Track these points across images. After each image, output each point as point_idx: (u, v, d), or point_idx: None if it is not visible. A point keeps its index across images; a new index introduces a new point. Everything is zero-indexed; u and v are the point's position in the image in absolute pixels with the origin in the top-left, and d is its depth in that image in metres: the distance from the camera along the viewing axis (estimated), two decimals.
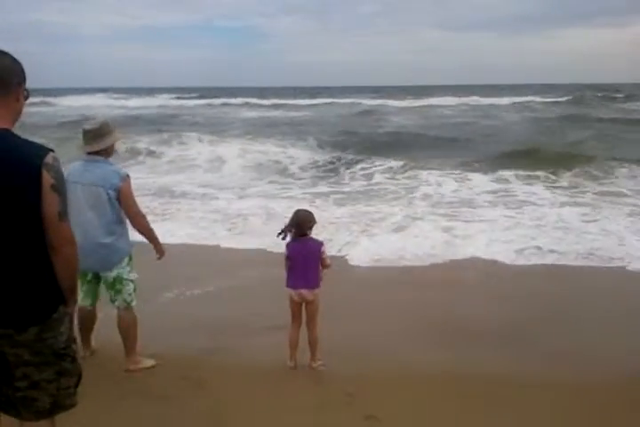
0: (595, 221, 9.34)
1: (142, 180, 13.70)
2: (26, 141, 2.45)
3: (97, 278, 4.51)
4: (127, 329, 4.54)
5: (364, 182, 14.07)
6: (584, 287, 6.74)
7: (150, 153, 17.92)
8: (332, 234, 8.17)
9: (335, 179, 14.72)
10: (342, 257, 7.42)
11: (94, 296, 4.62)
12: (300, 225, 4.51)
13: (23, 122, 2.59)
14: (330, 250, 4.72)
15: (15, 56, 2.50)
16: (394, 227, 9.00)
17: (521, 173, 14.11)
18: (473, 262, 7.50)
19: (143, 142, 18.78)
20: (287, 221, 4.59)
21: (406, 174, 14.42)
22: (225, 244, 8.40)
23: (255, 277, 6.91)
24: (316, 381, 4.50)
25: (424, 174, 14.14)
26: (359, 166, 15.71)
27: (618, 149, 16.94)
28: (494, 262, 7.47)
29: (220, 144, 18.49)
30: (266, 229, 8.61)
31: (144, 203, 9.92)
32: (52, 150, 2.46)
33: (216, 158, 16.97)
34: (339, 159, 16.66)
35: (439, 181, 13.41)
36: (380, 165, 15.54)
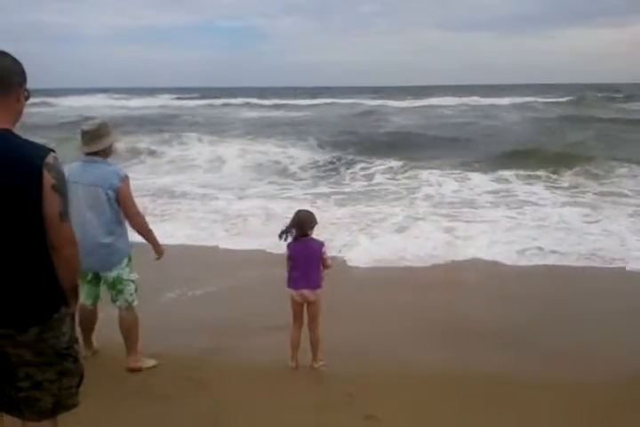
0: (596, 221, 9.34)
1: (143, 180, 13.71)
2: (27, 142, 2.45)
3: (97, 278, 4.52)
4: (129, 329, 4.56)
5: (365, 183, 14.07)
6: (584, 288, 6.75)
7: (151, 153, 17.94)
8: (332, 234, 8.17)
9: (336, 179, 14.72)
10: (343, 258, 7.43)
11: (95, 296, 4.63)
12: (302, 225, 4.52)
13: (23, 122, 2.60)
14: (331, 250, 4.73)
15: (16, 56, 2.51)
16: (395, 227, 9.00)
17: (521, 173, 14.14)
18: (474, 263, 7.50)
19: (144, 142, 18.81)
20: (288, 221, 4.60)
21: (407, 175, 14.43)
22: (225, 244, 8.41)
23: (255, 277, 6.91)
24: (316, 381, 4.51)
25: (425, 174, 14.15)
26: (360, 167, 15.72)
27: (619, 149, 16.94)
28: (495, 263, 7.47)
29: (221, 144, 18.50)
30: (265, 229, 8.61)
31: (144, 203, 9.99)
32: (52, 151, 2.46)
33: (216, 159, 16.98)
34: (339, 159, 16.67)
35: (440, 182, 13.42)
36: (380, 166, 15.55)
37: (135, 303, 4.57)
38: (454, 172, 14.46)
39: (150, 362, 4.62)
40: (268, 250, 7.70)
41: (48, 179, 2.39)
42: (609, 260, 7.49)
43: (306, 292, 4.52)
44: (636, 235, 8.48)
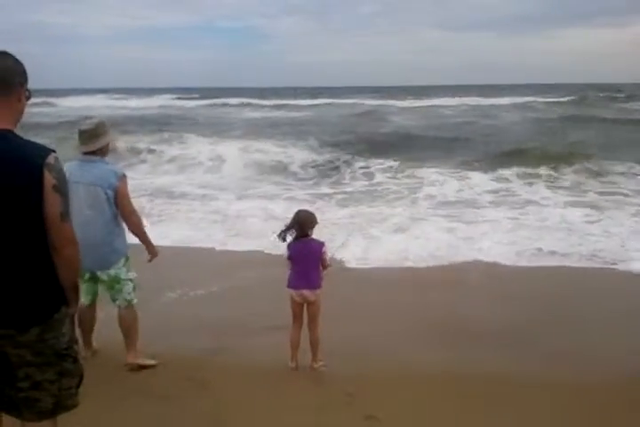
0: (597, 222, 9.34)
1: (142, 180, 13.73)
2: (28, 142, 2.46)
3: (95, 277, 4.53)
4: (128, 327, 4.60)
5: (366, 183, 14.07)
6: (584, 288, 6.74)
7: (150, 153, 17.88)
8: (333, 235, 8.16)
9: (336, 179, 14.72)
10: (343, 258, 7.43)
11: (93, 295, 4.65)
12: (302, 225, 4.52)
13: (24, 122, 2.60)
14: (331, 251, 4.72)
15: (16, 57, 2.51)
16: (396, 228, 9.00)
17: (522, 173, 14.14)
18: (474, 264, 7.50)
19: (144, 142, 18.78)
20: (288, 221, 4.60)
21: (408, 175, 14.41)
22: (224, 245, 8.41)
23: (255, 277, 6.92)
24: (316, 381, 4.51)
25: (425, 174, 14.14)
26: (360, 166, 15.71)
27: (620, 149, 16.91)
28: (496, 264, 7.47)
29: (221, 144, 18.45)
30: (265, 230, 8.62)
31: (143, 203, 10.01)
32: (53, 151, 2.47)
33: (216, 159, 16.95)
34: (340, 160, 16.64)
35: (441, 182, 13.42)
36: (380, 165, 15.54)
37: (134, 302, 4.59)
38: (455, 172, 14.45)
39: (149, 361, 4.64)
40: (267, 250, 7.71)
41: (49, 179, 2.40)
42: (610, 260, 7.48)
43: (306, 292, 4.52)
44: (637, 235, 8.48)
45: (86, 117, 4.80)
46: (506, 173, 14.11)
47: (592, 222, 9.28)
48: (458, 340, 5.22)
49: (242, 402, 4.13)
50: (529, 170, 14.34)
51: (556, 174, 14.09)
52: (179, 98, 62.52)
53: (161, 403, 4.08)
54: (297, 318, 4.64)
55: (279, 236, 4.55)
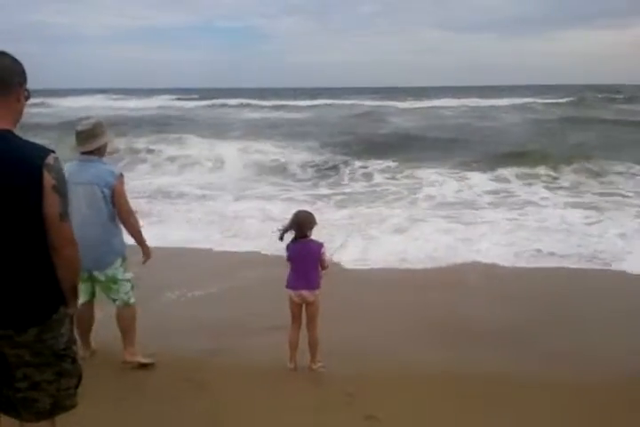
0: (597, 223, 9.32)
1: (140, 180, 13.73)
2: (27, 142, 2.46)
3: (93, 277, 4.54)
4: (126, 325, 4.64)
5: (365, 184, 14.07)
6: (584, 289, 6.74)
7: (150, 154, 17.87)
8: (332, 236, 8.16)
9: (335, 180, 14.71)
10: (342, 259, 7.42)
11: (91, 294, 4.66)
12: (301, 226, 4.52)
13: (22, 123, 2.60)
14: (330, 252, 4.72)
15: (15, 57, 2.51)
16: (395, 229, 8.99)
17: (521, 174, 14.15)
18: (474, 265, 7.49)
19: (143, 143, 18.76)
20: (286, 222, 4.60)
21: (407, 176, 14.42)
22: (222, 246, 8.39)
23: (254, 278, 6.92)
24: (315, 381, 4.51)
25: (425, 175, 14.15)
26: (360, 167, 15.69)
27: (620, 150, 16.91)
28: (496, 265, 7.46)
29: (220, 145, 18.44)
30: (263, 231, 8.62)
31: (141, 204, 10.00)
32: (52, 151, 2.47)
33: (215, 159, 16.95)
34: (339, 160, 16.64)
35: (440, 182, 13.42)
36: (380, 166, 15.54)
37: (132, 301, 4.62)
38: (455, 173, 14.45)
39: (146, 359, 4.66)
40: (265, 251, 7.72)
41: (48, 179, 2.40)
42: (609, 262, 7.48)
43: (305, 292, 4.52)
44: (637, 236, 8.48)
45: (83, 118, 4.81)
46: (505, 174, 14.12)
47: (591, 224, 9.27)
48: (457, 340, 5.22)
49: (241, 403, 4.13)
50: (528, 171, 14.35)
51: (555, 175, 14.11)
52: (178, 98, 62.38)
53: (160, 403, 4.08)
54: (296, 318, 4.64)
55: (279, 236, 4.55)
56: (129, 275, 4.60)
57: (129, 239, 4.64)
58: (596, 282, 6.96)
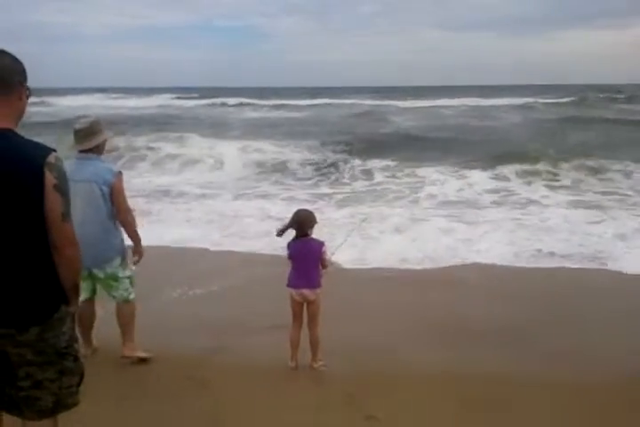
0: (598, 222, 9.35)
1: (140, 179, 13.75)
2: (29, 141, 2.45)
3: (93, 275, 4.56)
4: (126, 321, 4.68)
5: (366, 183, 14.09)
6: (584, 289, 6.74)
7: (149, 153, 17.85)
8: (332, 235, 8.15)
9: (336, 179, 14.72)
10: (342, 258, 7.41)
11: (92, 291, 4.67)
12: (301, 225, 4.52)
13: (22, 121, 2.59)
14: (331, 251, 4.72)
15: (15, 56, 2.50)
16: (396, 228, 8.99)
17: (522, 174, 14.17)
18: (474, 265, 7.49)
19: (142, 142, 18.76)
20: (287, 220, 4.59)
21: (408, 175, 14.43)
22: (221, 245, 8.39)
23: (255, 277, 6.92)
24: (316, 381, 4.51)
25: (425, 175, 14.16)
26: (360, 167, 15.71)
27: (621, 149, 16.89)
28: (496, 264, 7.47)
29: (220, 144, 18.46)
30: (263, 230, 8.63)
31: (139, 204, 10.00)
32: (54, 150, 2.46)
33: (215, 158, 16.96)
34: (339, 160, 16.65)
35: (441, 182, 13.45)
36: (381, 166, 15.54)
37: (132, 297, 4.65)
38: (455, 172, 14.46)
39: (145, 354, 4.69)
40: (266, 250, 7.72)
41: (50, 179, 2.39)
42: (610, 261, 7.48)
43: (306, 291, 4.52)
44: (638, 236, 8.48)
45: (81, 116, 4.82)
46: (505, 172, 14.17)
47: (592, 223, 9.29)
48: (457, 340, 5.22)
49: (241, 401, 4.13)
50: (529, 170, 14.38)
51: (555, 174, 14.13)
52: (178, 97, 62.31)
53: (161, 402, 4.08)
54: (297, 317, 4.64)
55: (278, 233, 4.55)
56: (129, 272, 4.63)
57: (128, 239, 4.64)
58: (595, 282, 6.96)
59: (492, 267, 7.41)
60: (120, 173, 4.50)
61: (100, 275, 4.52)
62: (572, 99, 46.45)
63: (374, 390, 4.28)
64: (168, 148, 18.31)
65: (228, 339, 5.20)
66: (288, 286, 4.57)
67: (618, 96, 51.15)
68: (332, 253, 4.72)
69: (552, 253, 7.78)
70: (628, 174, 14.04)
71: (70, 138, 4.57)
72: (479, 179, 13.69)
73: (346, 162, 16.29)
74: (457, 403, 4.13)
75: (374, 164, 15.75)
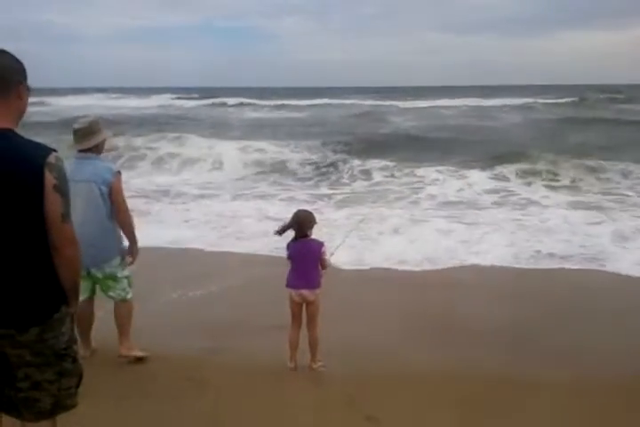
0: (597, 223, 9.33)
1: (139, 179, 13.73)
2: (29, 141, 2.45)
3: (91, 274, 4.56)
4: (123, 320, 4.70)
5: (365, 183, 14.09)
6: (584, 290, 6.74)
7: (149, 153, 17.83)
8: (332, 236, 8.15)
9: (335, 179, 14.71)
10: (341, 259, 7.40)
11: (91, 291, 4.67)
12: (301, 225, 4.51)
13: (21, 121, 2.59)
14: (330, 251, 4.72)
15: (15, 55, 2.50)
16: (395, 229, 8.97)
17: (523, 174, 14.21)
18: (474, 266, 7.48)
19: (142, 142, 18.73)
20: (287, 221, 4.59)
21: (408, 176, 14.43)
22: (219, 246, 8.38)
23: (254, 277, 6.91)
24: (316, 381, 4.51)
25: (425, 175, 14.17)
26: (360, 167, 15.68)
27: (621, 150, 16.91)
28: (495, 266, 7.46)
29: (219, 144, 18.44)
30: (262, 230, 8.64)
31: (139, 203, 10.01)
32: (54, 150, 2.46)
33: (215, 159, 16.93)
34: (339, 160, 16.63)
35: (441, 183, 13.45)
36: (381, 166, 15.53)
37: (129, 297, 4.67)
38: (455, 173, 14.46)
39: (141, 353, 4.71)
40: (263, 251, 7.72)
41: (50, 179, 2.39)
42: (609, 263, 7.47)
43: (305, 292, 4.51)
44: (637, 237, 8.47)
45: (80, 116, 4.84)
46: (506, 174, 14.16)
47: (591, 224, 9.28)
48: (457, 340, 5.22)
49: (241, 402, 4.13)
50: (529, 171, 14.38)
51: (556, 175, 14.13)
52: (178, 98, 62.25)
53: (160, 402, 4.08)
54: (296, 317, 4.63)
55: (279, 233, 4.55)
56: (127, 272, 4.64)
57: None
58: (595, 283, 6.96)
59: (492, 268, 7.40)
60: (119, 172, 4.52)
61: (99, 275, 4.53)
62: (572, 99, 46.44)
63: (374, 391, 4.28)
64: (167, 148, 18.29)
65: (228, 339, 5.20)
66: (287, 286, 4.57)
67: (618, 96, 51.12)
68: (332, 254, 4.72)
69: (551, 255, 7.77)
70: (627, 175, 14.03)
71: (69, 137, 4.58)
72: (479, 179, 13.70)
73: (345, 162, 16.27)
74: (457, 403, 4.13)
75: (375, 164, 15.71)
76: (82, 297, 4.50)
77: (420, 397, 4.22)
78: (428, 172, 14.44)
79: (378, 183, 13.91)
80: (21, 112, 2.54)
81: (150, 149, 18.13)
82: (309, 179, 14.95)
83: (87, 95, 61.92)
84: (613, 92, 55.68)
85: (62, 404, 2.63)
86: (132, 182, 12.28)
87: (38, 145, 2.46)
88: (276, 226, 4.61)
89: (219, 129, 24.33)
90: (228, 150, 17.54)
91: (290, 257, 4.57)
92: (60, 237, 2.46)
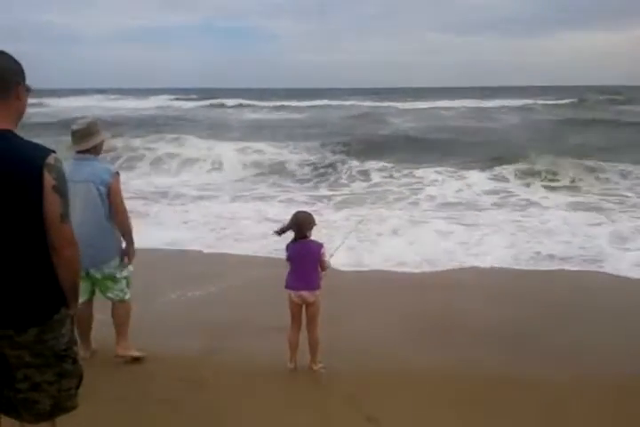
0: (598, 224, 9.33)
1: (138, 181, 13.73)
2: (28, 142, 2.45)
3: (90, 274, 4.55)
4: (121, 320, 4.71)
5: (364, 184, 14.07)
6: (583, 291, 6.74)
7: (147, 154, 17.81)
8: (331, 237, 8.14)
9: (335, 181, 14.68)
10: (340, 262, 7.38)
11: (90, 293, 4.67)
12: (300, 227, 4.50)
13: (21, 122, 2.58)
14: (330, 252, 4.72)
15: (13, 56, 2.49)
16: (395, 231, 8.96)
17: (522, 175, 14.22)
18: (474, 268, 7.46)
19: (140, 143, 18.71)
20: (286, 222, 4.58)
21: (407, 177, 14.42)
22: (217, 248, 8.36)
23: (253, 279, 6.91)
24: (316, 382, 4.51)
25: (424, 176, 14.16)
26: (359, 169, 15.66)
27: (621, 151, 16.92)
28: (495, 267, 7.45)
29: (218, 145, 18.43)
30: (259, 232, 8.64)
31: (138, 204, 10.00)
32: (53, 151, 2.46)
33: (214, 160, 16.92)
34: (338, 161, 16.62)
35: (440, 183, 13.44)
36: (380, 167, 15.51)
37: (127, 297, 4.68)
38: (455, 174, 14.46)
39: (138, 353, 4.72)
40: (262, 253, 7.73)
41: (49, 180, 2.39)
42: (608, 264, 7.46)
43: (305, 293, 4.50)
44: (636, 238, 8.47)
45: (79, 117, 4.84)
46: (505, 175, 14.16)
47: (592, 225, 9.27)
48: (457, 341, 5.22)
49: (240, 402, 4.13)
50: (528, 172, 14.39)
51: (555, 174, 14.12)
52: (176, 98, 62.29)
53: (159, 403, 4.08)
54: (295, 318, 4.62)
55: (278, 233, 4.54)
56: (126, 272, 4.64)
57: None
58: (594, 284, 6.96)
59: (491, 270, 7.39)
60: (117, 173, 4.52)
61: (98, 275, 4.53)
62: (572, 100, 46.50)
63: (374, 391, 4.28)
64: (166, 149, 18.27)
65: (227, 340, 5.20)
66: (287, 287, 4.56)
67: (617, 97, 51.14)
68: (331, 255, 4.71)
69: (551, 256, 7.76)
70: (627, 176, 14.04)
71: (68, 138, 4.58)
72: (478, 180, 13.71)
73: (346, 164, 16.18)
74: (457, 403, 4.13)
75: (373, 165, 15.69)
76: (81, 299, 4.51)
77: (420, 397, 4.22)
78: (427, 173, 14.45)
79: (377, 184, 13.91)
80: (21, 113, 2.54)
81: (149, 149, 18.09)
82: (308, 180, 14.93)
83: (86, 96, 61.90)
84: (613, 94, 55.74)
85: (62, 405, 2.63)
86: (131, 184, 12.27)
87: (37, 146, 2.45)
88: (276, 227, 4.61)
89: (217, 130, 24.34)
90: (227, 151, 17.53)
91: (289, 258, 4.56)
92: (59, 238, 2.46)
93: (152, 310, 5.74)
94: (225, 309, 6.04)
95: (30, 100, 2.62)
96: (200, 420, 3.90)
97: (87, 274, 4.47)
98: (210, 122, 30.20)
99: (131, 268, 4.70)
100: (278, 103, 49.72)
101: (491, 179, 13.92)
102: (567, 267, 7.42)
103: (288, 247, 4.56)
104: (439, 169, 14.83)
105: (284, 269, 4.61)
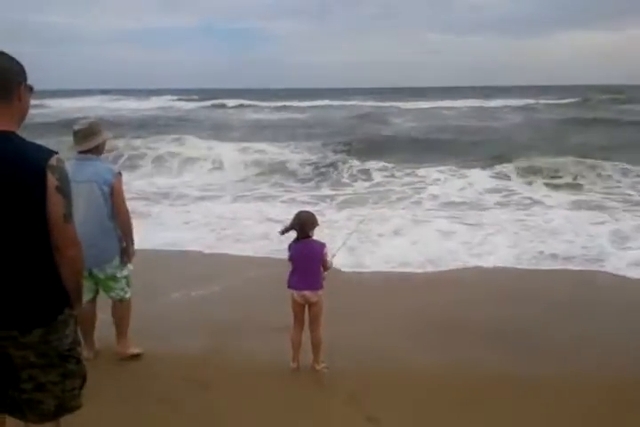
0: (601, 223, 9.31)
1: (139, 181, 13.73)
2: (31, 144, 2.45)
3: (93, 274, 4.57)
4: (121, 319, 4.76)
5: (367, 184, 14.06)
6: (586, 291, 6.73)
7: (148, 155, 17.80)
8: (333, 237, 8.13)
9: (336, 181, 14.67)
10: (341, 262, 7.37)
11: (94, 292, 4.68)
12: (303, 226, 4.50)
13: (23, 123, 2.57)
14: (332, 252, 4.71)
15: (15, 57, 2.49)
16: (397, 231, 8.95)
17: (525, 174, 14.16)
18: (477, 267, 7.46)
19: (142, 144, 18.71)
20: (289, 222, 4.58)
21: (409, 176, 14.41)
22: (219, 248, 8.35)
23: (255, 279, 6.91)
24: (317, 382, 4.51)
25: (427, 175, 14.15)
26: (360, 169, 15.63)
27: (623, 151, 16.89)
28: (498, 267, 7.44)
29: (220, 146, 18.42)
30: (260, 232, 8.65)
31: (139, 205, 10.00)
32: (56, 152, 2.46)
33: (215, 160, 16.92)
34: (340, 161, 16.61)
35: (442, 182, 13.44)
36: (382, 167, 15.50)
37: (127, 296, 4.71)
38: (455, 172, 14.46)
39: (137, 349, 4.76)
40: (263, 253, 7.72)
41: (52, 180, 2.39)
42: (611, 263, 7.44)
43: (307, 293, 4.50)
44: (638, 237, 8.46)
45: (80, 118, 4.85)
46: (507, 173, 14.16)
47: (595, 224, 9.25)
48: (458, 341, 5.22)
49: (243, 402, 4.13)
50: (529, 170, 14.37)
51: (556, 172, 14.10)
52: (178, 99, 62.34)
53: (162, 403, 4.08)
54: (298, 318, 4.62)
55: (281, 233, 4.54)
56: (126, 272, 4.67)
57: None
58: (596, 284, 6.96)
59: (494, 270, 7.38)
60: (120, 173, 4.55)
61: (101, 275, 4.55)
62: (574, 100, 46.43)
63: (375, 391, 4.28)
64: (168, 149, 18.26)
65: (229, 340, 5.21)
66: (289, 287, 4.56)
67: (619, 97, 51.03)
68: (333, 256, 4.71)
69: (554, 256, 7.75)
70: (629, 175, 14.01)
71: (70, 139, 4.59)
72: (479, 178, 13.71)
73: (347, 164, 16.11)
74: (458, 404, 4.13)
75: (376, 165, 15.65)
76: (85, 298, 4.52)
77: (421, 397, 4.22)
78: (430, 172, 14.44)
79: (379, 184, 13.89)
80: (23, 114, 2.54)
81: (150, 150, 18.09)
82: (310, 180, 14.91)
83: (88, 97, 61.94)
84: (615, 93, 55.59)
85: (66, 405, 2.63)
86: (133, 184, 12.26)
87: (40, 147, 2.46)
88: (277, 228, 4.62)
89: (219, 130, 24.35)
90: (229, 152, 17.52)
91: (291, 258, 4.55)
92: (62, 238, 2.46)
93: (153, 310, 5.75)
94: (227, 308, 6.04)
95: (32, 102, 2.62)
96: (203, 419, 3.91)
97: (90, 274, 4.49)
98: (211, 122, 30.22)
99: (131, 267, 4.72)
100: (279, 103, 49.74)
101: (493, 177, 13.93)
102: (570, 266, 7.41)
103: (290, 247, 4.56)
104: (441, 168, 14.83)
105: (285, 270, 4.61)
